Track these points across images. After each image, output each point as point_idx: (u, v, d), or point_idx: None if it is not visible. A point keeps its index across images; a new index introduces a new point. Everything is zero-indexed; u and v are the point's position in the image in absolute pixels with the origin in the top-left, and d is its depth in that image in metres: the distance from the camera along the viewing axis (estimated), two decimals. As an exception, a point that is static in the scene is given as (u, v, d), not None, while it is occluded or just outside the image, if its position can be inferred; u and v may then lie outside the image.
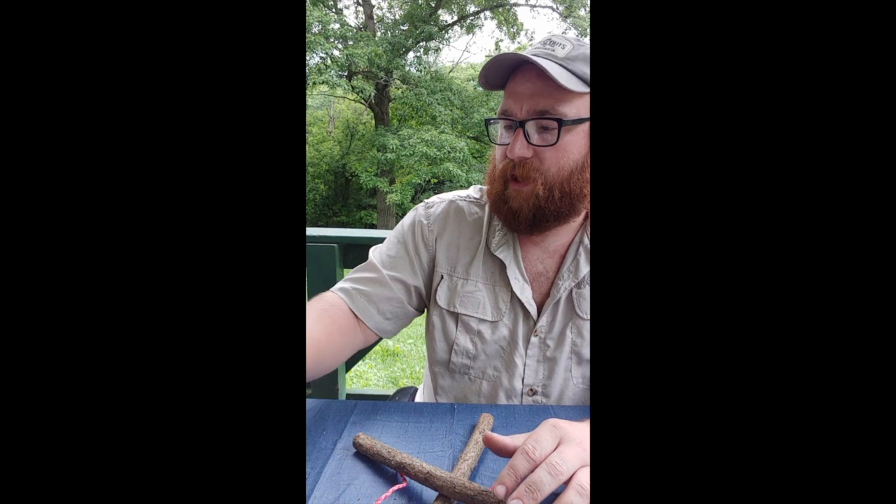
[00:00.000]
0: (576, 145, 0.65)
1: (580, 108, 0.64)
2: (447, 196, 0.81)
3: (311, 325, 0.69)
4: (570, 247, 0.73)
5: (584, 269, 0.71)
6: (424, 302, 0.80)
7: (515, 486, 0.41)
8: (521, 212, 0.67)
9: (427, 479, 0.46)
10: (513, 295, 0.73)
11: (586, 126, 0.65)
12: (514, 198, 0.67)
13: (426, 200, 0.82)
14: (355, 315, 0.74)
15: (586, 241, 0.71)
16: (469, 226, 0.77)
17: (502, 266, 0.73)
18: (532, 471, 0.41)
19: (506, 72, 0.67)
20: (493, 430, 0.58)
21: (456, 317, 0.75)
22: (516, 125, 0.65)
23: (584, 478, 0.41)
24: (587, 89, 0.63)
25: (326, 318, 0.72)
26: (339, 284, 0.78)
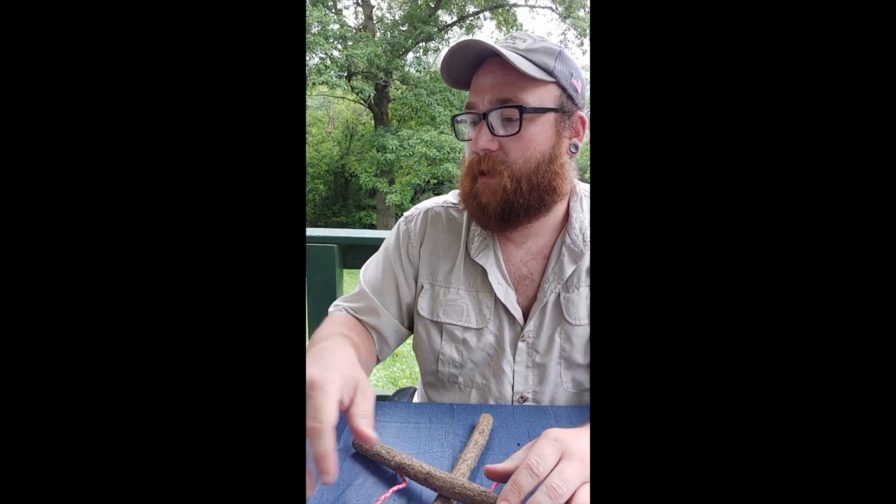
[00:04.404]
0: (541, 136, 0.64)
1: (543, 97, 0.64)
2: (424, 205, 0.80)
3: (349, 332, 0.69)
4: (553, 248, 0.71)
5: (569, 270, 0.69)
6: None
7: (518, 503, 0.40)
8: (489, 206, 0.66)
9: (427, 480, 0.46)
10: (497, 300, 0.71)
11: (551, 117, 0.64)
12: (483, 192, 0.66)
13: (405, 214, 0.81)
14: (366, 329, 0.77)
15: (568, 240, 0.70)
16: (448, 232, 0.76)
17: (484, 271, 0.71)
18: (536, 487, 0.40)
19: (469, 68, 0.66)
20: (492, 431, 0.58)
21: (440, 326, 0.74)
22: (480, 118, 0.64)
23: (584, 497, 0.40)
24: (549, 79, 0.63)
25: (351, 328, 0.73)
26: (340, 308, 0.78)
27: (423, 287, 0.75)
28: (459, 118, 0.69)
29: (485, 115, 0.64)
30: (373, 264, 0.80)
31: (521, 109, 0.62)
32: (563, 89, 0.65)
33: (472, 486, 0.44)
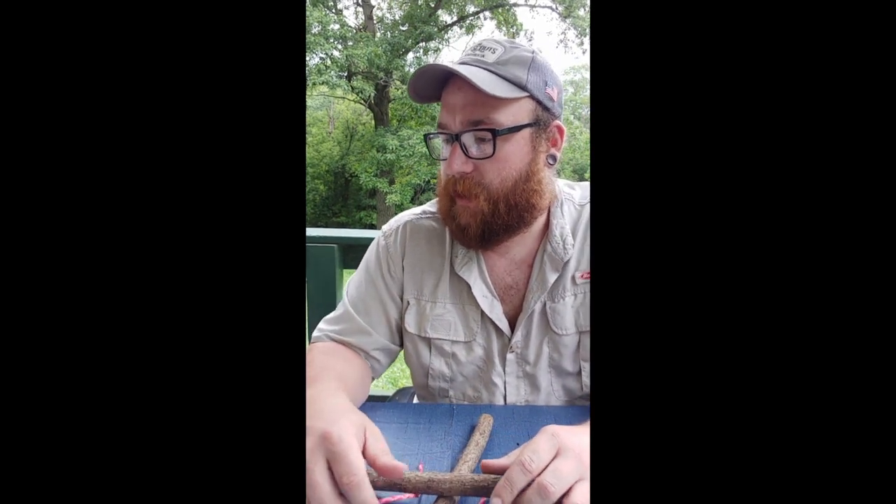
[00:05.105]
0: (517, 154, 0.62)
1: (517, 114, 0.61)
2: (402, 218, 0.78)
3: (334, 362, 0.66)
4: (535, 256, 0.70)
5: (551, 278, 0.68)
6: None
7: (512, 499, 0.40)
8: (469, 228, 0.64)
9: (430, 487, 0.44)
10: (483, 313, 0.70)
11: (527, 132, 0.62)
12: (461, 214, 0.64)
13: (383, 228, 0.78)
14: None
15: (549, 248, 0.69)
16: (429, 244, 0.74)
17: (468, 285, 0.70)
18: (529, 484, 0.40)
19: (438, 83, 0.64)
20: (492, 431, 0.58)
21: (428, 342, 0.73)
22: (453, 139, 0.62)
23: (580, 495, 0.40)
24: (521, 94, 0.61)
25: (337, 354, 0.70)
26: (325, 333, 0.75)
27: (408, 303, 0.74)
28: (432, 136, 0.67)
29: (457, 137, 0.61)
30: (355, 283, 0.77)
31: (494, 132, 0.60)
32: (538, 101, 0.62)
33: (482, 476, 0.44)
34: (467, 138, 0.61)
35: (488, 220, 0.63)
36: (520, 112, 0.62)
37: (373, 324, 0.74)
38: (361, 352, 0.73)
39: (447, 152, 0.64)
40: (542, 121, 0.64)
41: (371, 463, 0.43)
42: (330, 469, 0.41)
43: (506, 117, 0.61)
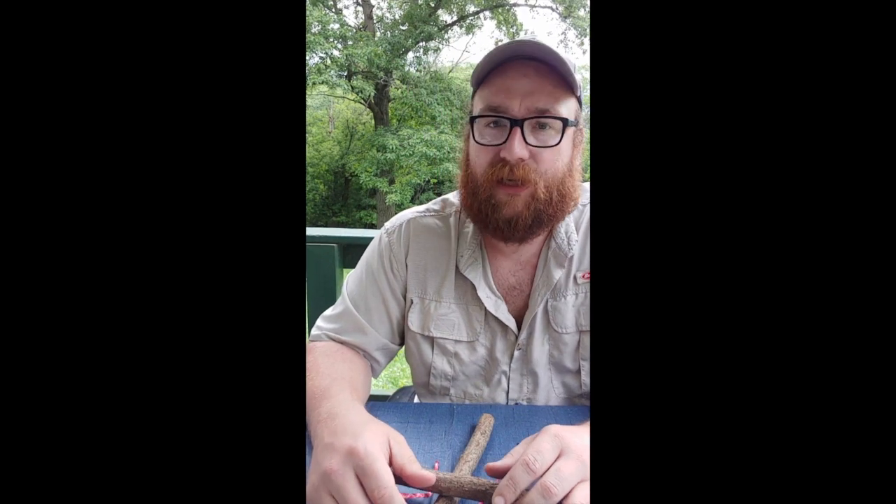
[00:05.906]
0: (566, 147, 0.64)
1: (569, 109, 0.63)
2: (405, 215, 0.77)
3: (341, 368, 0.65)
4: (540, 255, 0.70)
5: (556, 274, 0.68)
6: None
7: (514, 499, 0.40)
8: (518, 218, 0.62)
9: (432, 486, 0.45)
10: (487, 313, 0.71)
11: (572, 129, 0.64)
12: (509, 204, 0.62)
13: (386, 225, 0.77)
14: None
15: (553, 245, 0.69)
16: (434, 243, 0.73)
17: (473, 285, 0.70)
18: (532, 483, 0.41)
19: (494, 65, 0.63)
20: (493, 431, 0.58)
21: (431, 340, 0.73)
22: (512, 124, 0.60)
23: (581, 497, 0.40)
24: (577, 92, 0.64)
25: (339, 356, 0.70)
26: (323, 331, 0.74)
27: (412, 302, 0.73)
28: (480, 118, 0.63)
29: (521, 123, 0.60)
30: (355, 280, 0.76)
31: (566, 122, 0.61)
32: (580, 103, 0.66)
33: (481, 480, 0.44)
34: (526, 126, 0.61)
35: (541, 209, 0.62)
36: (571, 108, 0.64)
37: (374, 322, 0.73)
38: (362, 351, 0.73)
39: (495, 137, 0.62)
40: (580, 122, 0.66)
41: (399, 472, 0.43)
42: (360, 483, 0.41)
43: (564, 110, 0.62)
